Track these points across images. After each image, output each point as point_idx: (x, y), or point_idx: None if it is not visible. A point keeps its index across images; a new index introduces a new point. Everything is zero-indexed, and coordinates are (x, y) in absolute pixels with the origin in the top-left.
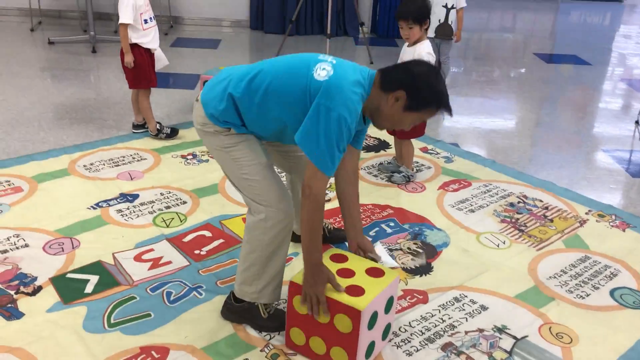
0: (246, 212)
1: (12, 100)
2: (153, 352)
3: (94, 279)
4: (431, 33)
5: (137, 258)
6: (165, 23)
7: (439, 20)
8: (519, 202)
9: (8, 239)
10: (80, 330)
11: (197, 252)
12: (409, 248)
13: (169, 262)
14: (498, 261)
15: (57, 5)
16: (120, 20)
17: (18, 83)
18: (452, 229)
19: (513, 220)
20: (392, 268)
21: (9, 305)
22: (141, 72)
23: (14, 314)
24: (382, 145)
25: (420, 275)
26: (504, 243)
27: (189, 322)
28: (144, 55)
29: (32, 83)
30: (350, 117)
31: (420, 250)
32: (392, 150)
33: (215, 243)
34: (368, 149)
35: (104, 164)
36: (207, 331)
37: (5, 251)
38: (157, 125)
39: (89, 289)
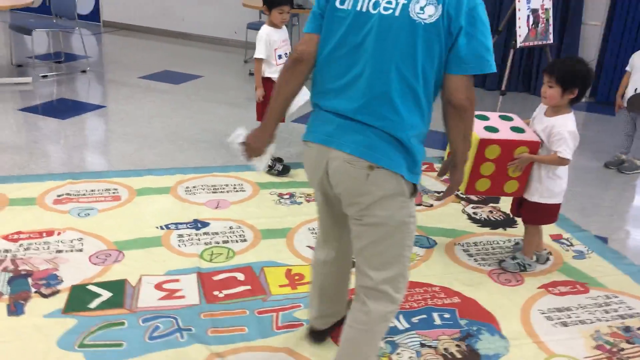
0: (363, 298)
1: (177, 118)
2: None
3: (106, 295)
4: (626, 102)
5: (158, 286)
6: None
7: (635, 90)
8: (639, 329)
9: (71, 241)
10: (53, 344)
11: (215, 293)
12: (445, 350)
13: (183, 297)
14: None
15: None
16: (255, 55)
17: (208, 108)
18: (520, 340)
19: (615, 349)
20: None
21: (22, 301)
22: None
23: (17, 310)
24: (507, 222)
25: None
26: None
27: None
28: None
29: (210, 108)
30: None
31: (459, 356)
32: (515, 230)
33: (240, 289)
34: (486, 223)
35: (203, 189)
36: None
37: (60, 251)
38: (270, 161)
39: (94, 304)
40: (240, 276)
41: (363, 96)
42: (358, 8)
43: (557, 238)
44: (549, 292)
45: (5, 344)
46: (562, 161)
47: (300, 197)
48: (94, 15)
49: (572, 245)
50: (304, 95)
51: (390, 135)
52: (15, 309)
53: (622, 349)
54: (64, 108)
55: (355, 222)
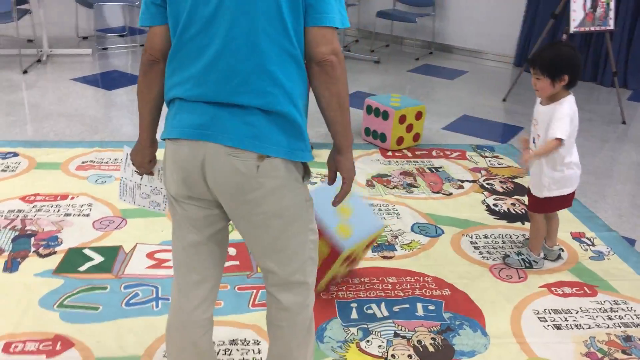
0: (275, 295)
1: None
2: (59, 343)
3: (97, 259)
4: None
5: (150, 255)
6: (425, 48)
7: None
8: None
9: (81, 206)
10: (35, 302)
11: None
12: (419, 342)
13: (170, 267)
14: None
15: None
16: None
17: None
18: (503, 339)
19: (607, 359)
20: None
21: (19, 259)
22: None
23: (12, 267)
24: (527, 216)
25: None
26: None
27: (119, 329)
28: None
29: None
30: None
31: (432, 350)
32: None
33: (228, 263)
34: (504, 216)
35: None
36: (119, 345)
37: (68, 214)
38: None
39: (84, 267)
40: (233, 251)
41: (235, 74)
42: None
43: (578, 236)
44: (551, 292)
45: None
46: (556, 142)
47: (317, 177)
48: None
49: (593, 245)
50: None
51: (275, 113)
52: (11, 265)
53: (615, 359)
54: (113, 80)
55: (248, 223)
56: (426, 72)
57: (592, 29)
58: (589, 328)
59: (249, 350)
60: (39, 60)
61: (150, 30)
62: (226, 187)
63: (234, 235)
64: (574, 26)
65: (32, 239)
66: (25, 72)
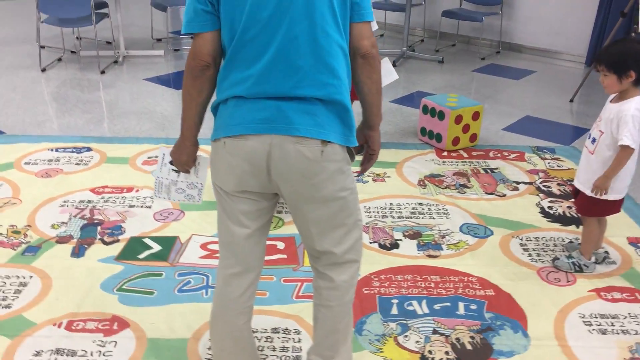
0: (329, 275)
1: None
2: (116, 323)
3: (156, 248)
4: None
5: (203, 245)
6: (492, 48)
7: None
8: None
9: (145, 198)
10: (96, 284)
11: None
12: (457, 339)
13: None
14: None
15: (400, 21)
16: None
17: None
18: (545, 341)
19: None
20: None
21: (85, 245)
22: None
23: (79, 253)
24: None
25: None
26: None
27: (170, 314)
28: None
29: None
30: None
31: (470, 348)
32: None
33: (276, 256)
34: (558, 219)
35: None
36: (170, 328)
37: (132, 206)
38: None
39: (143, 255)
40: (281, 245)
41: (296, 70)
42: None
43: (635, 241)
44: (600, 296)
45: (59, 280)
46: (627, 150)
47: (369, 176)
48: None
49: None
50: (391, 77)
51: (332, 103)
52: (79, 251)
53: None
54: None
55: (310, 205)
56: (492, 72)
57: None
58: (636, 334)
59: (289, 339)
60: (115, 62)
61: (200, 36)
62: (292, 174)
63: (282, 230)
64: None
65: (99, 228)
66: (102, 72)
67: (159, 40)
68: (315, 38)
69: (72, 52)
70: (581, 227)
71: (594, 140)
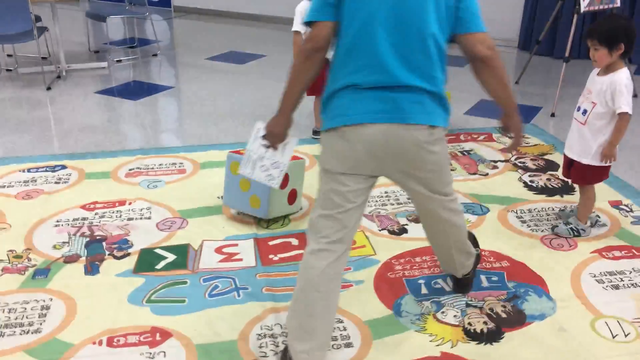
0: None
1: (241, 95)
2: (157, 334)
3: (171, 258)
4: None
5: (218, 249)
6: None
7: None
8: None
9: (141, 210)
10: (124, 299)
11: (271, 256)
12: (491, 309)
13: (240, 260)
14: (600, 355)
15: None
16: (292, 28)
17: (269, 85)
18: (569, 301)
19: None
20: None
21: (97, 262)
22: (317, 80)
23: (93, 270)
24: (564, 189)
25: (480, 343)
26: (626, 335)
27: (210, 318)
28: None
29: (273, 85)
30: None
31: (504, 316)
32: (573, 197)
33: (294, 252)
34: (541, 190)
35: None
36: (214, 332)
37: (131, 219)
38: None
39: (160, 265)
40: (295, 241)
41: (409, 63)
42: None
43: (616, 204)
44: (602, 256)
45: (83, 299)
46: (626, 117)
47: None
48: (166, 1)
49: (631, 211)
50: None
51: (435, 93)
52: (92, 269)
53: None
54: (137, 90)
55: (420, 177)
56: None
57: (601, 7)
58: None
59: (335, 328)
60: (59, 77)
61: (321, 23)
62: (408, 155)
63: (291, 227)
64: (583, 6)
65: (104, 243)
66: (49, 88)
67: (96, 52)
68: (424, 38)
69: (7, 70)
70: (566, 196)
71: (584, 112)
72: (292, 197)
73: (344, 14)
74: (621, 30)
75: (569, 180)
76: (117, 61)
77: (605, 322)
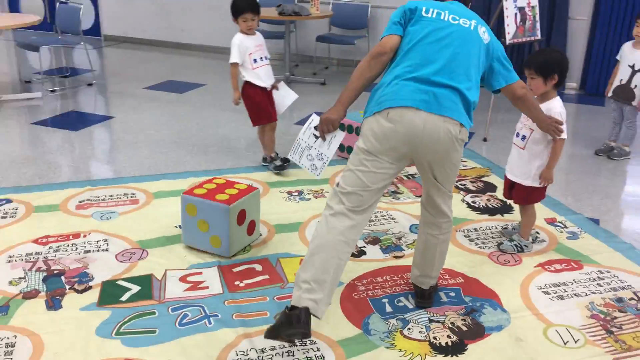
0: (443, 199)
1: (185, 125)
2: None
3: (135, 289)
4: (617, 92)
5: (183, 278)
6: None
7: (620, 81)
8: (631, 299)
9: (97, 242)
10: (92, 333)
11: (236, 283)
12: (452, 323)
13: (206, 287)
14: None
15: (272, 49)
16: (230, 60)
17: (213, 114)
18: (520, 312)
19: (608, 318)
20: None
21: (58, 297)
22: (260, 109)
23: (55, 305)
24: (504, 209)
25: (446, 355)
26: (576, 342)
27: (183, 347)
28: (259, 92)
29: (216, 114)
30: None
31: (465, 329)
32: (512, 216)
33: (259, 278)
34: (483, 210)
35: None
36: (189, 359)
37: (88, 251)
38: (273, 155)
39: (125, 297)
40: (259, 267)
41: (451, 70)
42: (441, 17)
43: (551, 221)
44: (545, 269)
45: (49, 334)
46: (562, 141)
47: (309, 193)
48: (95, 29)
49: (566, 227)
50: (292, 97)
51: (467, 101)
52: (53, 304)
53: (615, 317)
54: (74, 120)
55: (442, 167)
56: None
57: (524, 39)
58: (586, 295)
59: (309, 349)
60: None
61: (390, 36)
62: (438, 144)
63: (252, 254)
64: (508, 39)
65: (62, 277)
66: None
67: (27, 82)
68: (469, 59)
69: None
70: (506, 215)
71: (523, 137)
72: (251, 228)
73: (410, 31)
74: (556, 62)
75: (509, 201)
76: (51, 91)
77: (556, 330)
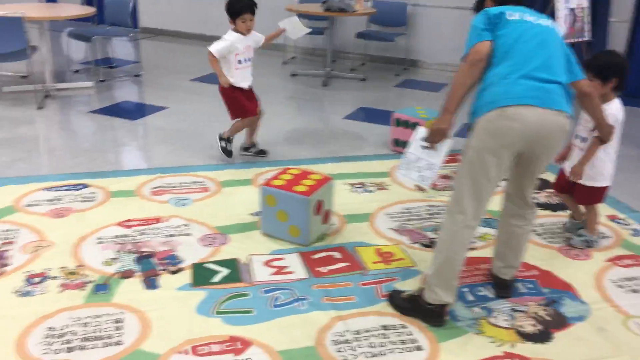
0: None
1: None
2: (238, 343)
3: (224, 271)
4: None
5: (267, 263)
6: (400, 65)
7: None
8: None
9: (178, 226)
10: (193, 310)
11: (319, 269)
12: (535, 313)
13: (291, 272)
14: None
15: (310, 44)
16: (209, 47)
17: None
18: (598, 304)
19: None
20: None
21: (152, 277)
22: (237, 105)
23: (152, 285)
24: (564, 205)
25: (535, 342)
26: None
27: (281, 326)
28: (236, 90)
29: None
30: None
31: (548, 318)
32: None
33: (340, 265)
34: (545, 207)
35: None
36: (290, 339)
37: (172, 235)
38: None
39: (216, 279)
40: (337, 255)
41: (551, 67)
42: (525, 19)
43: (613, 218)
44: (616, 264)
45: (153, 311)
46: (597, 142)
47: (371, 186)
48: (133, 22)
49: (628, 224)
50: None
51: (567, 89)
52: (150, 284)
53: None
54: (131, 109)
55: (542, 163)
56: (411, 86)
57: (573, 40)
58: None
59: (401, 333)
60: (47, 96)
61: (482, 42)
62: (553, 138)
63: (328, 242)
64: None
65: (153, 259)
66: (40, 107)
67: (76, 72)
68: (559, 57)
69: None
70: (559, 212)
71: (584, 139)
72: (326, 217)
73: (501, 35)
74: (615, 66)
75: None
76: (101, 81)
77: (636, 322)
